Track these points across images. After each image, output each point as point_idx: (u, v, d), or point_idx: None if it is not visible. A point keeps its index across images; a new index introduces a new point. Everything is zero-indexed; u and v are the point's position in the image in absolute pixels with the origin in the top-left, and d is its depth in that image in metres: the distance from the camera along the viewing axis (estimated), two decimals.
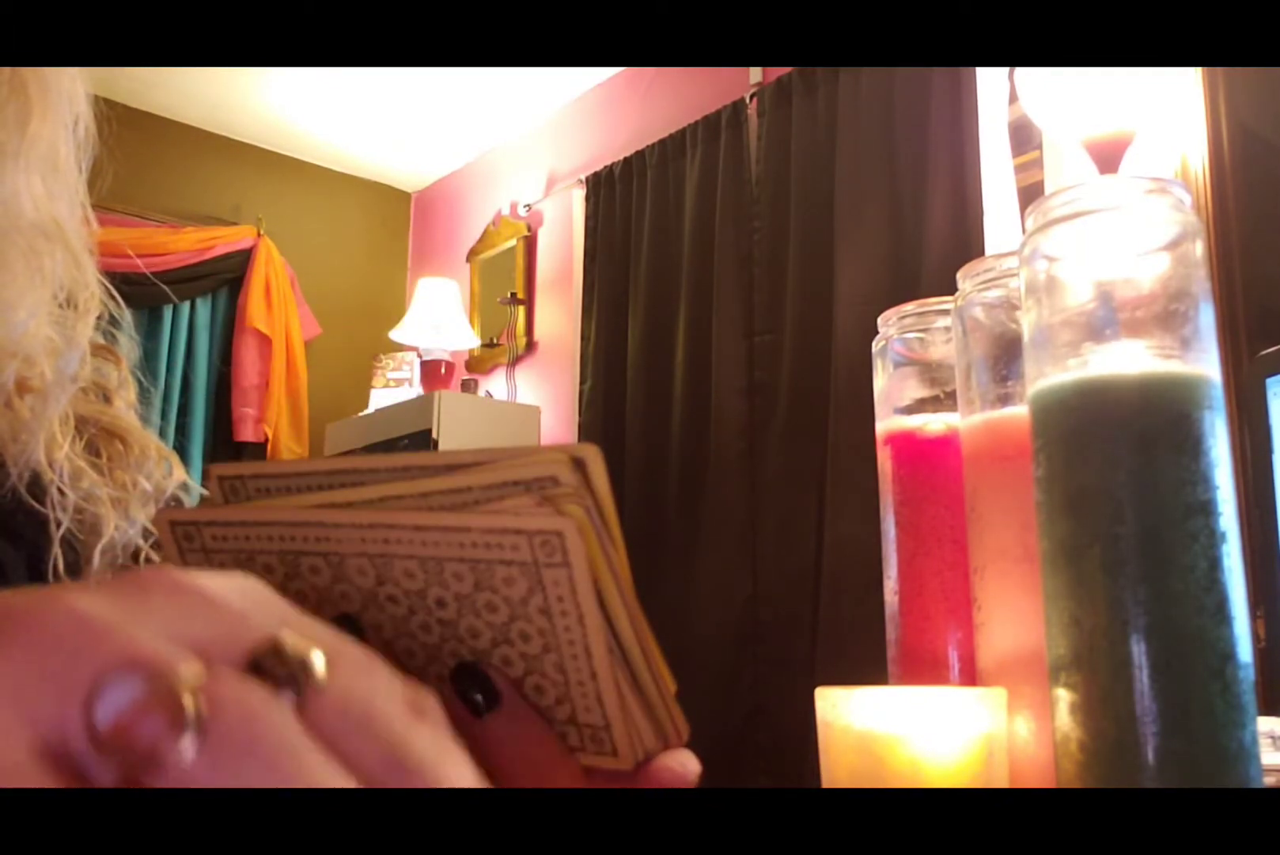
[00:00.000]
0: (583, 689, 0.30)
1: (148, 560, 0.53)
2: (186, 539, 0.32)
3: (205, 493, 0.33)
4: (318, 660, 0.21)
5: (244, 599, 0.22)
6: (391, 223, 4.17)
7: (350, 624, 0.31)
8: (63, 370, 0.51)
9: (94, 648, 0.20)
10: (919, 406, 0.60)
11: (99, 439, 0.53)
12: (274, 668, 0.21)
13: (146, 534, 0.53)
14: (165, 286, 3.43)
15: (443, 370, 3.44)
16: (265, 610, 0.22)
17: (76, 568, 0.49)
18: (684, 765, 0.31)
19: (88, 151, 0.53)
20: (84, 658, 0.20)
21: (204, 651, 0.21)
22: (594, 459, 0.29)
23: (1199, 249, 0.44)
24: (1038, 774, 0.47)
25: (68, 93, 0.51)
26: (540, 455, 0.29)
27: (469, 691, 0.30)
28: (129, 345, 0.56)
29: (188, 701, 0.19)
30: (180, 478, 0.56)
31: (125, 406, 0.55)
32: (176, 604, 0.21)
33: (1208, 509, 0.41)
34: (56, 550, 0.48)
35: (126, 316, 0.56)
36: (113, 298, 0.54)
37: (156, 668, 0.19)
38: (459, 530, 0.29)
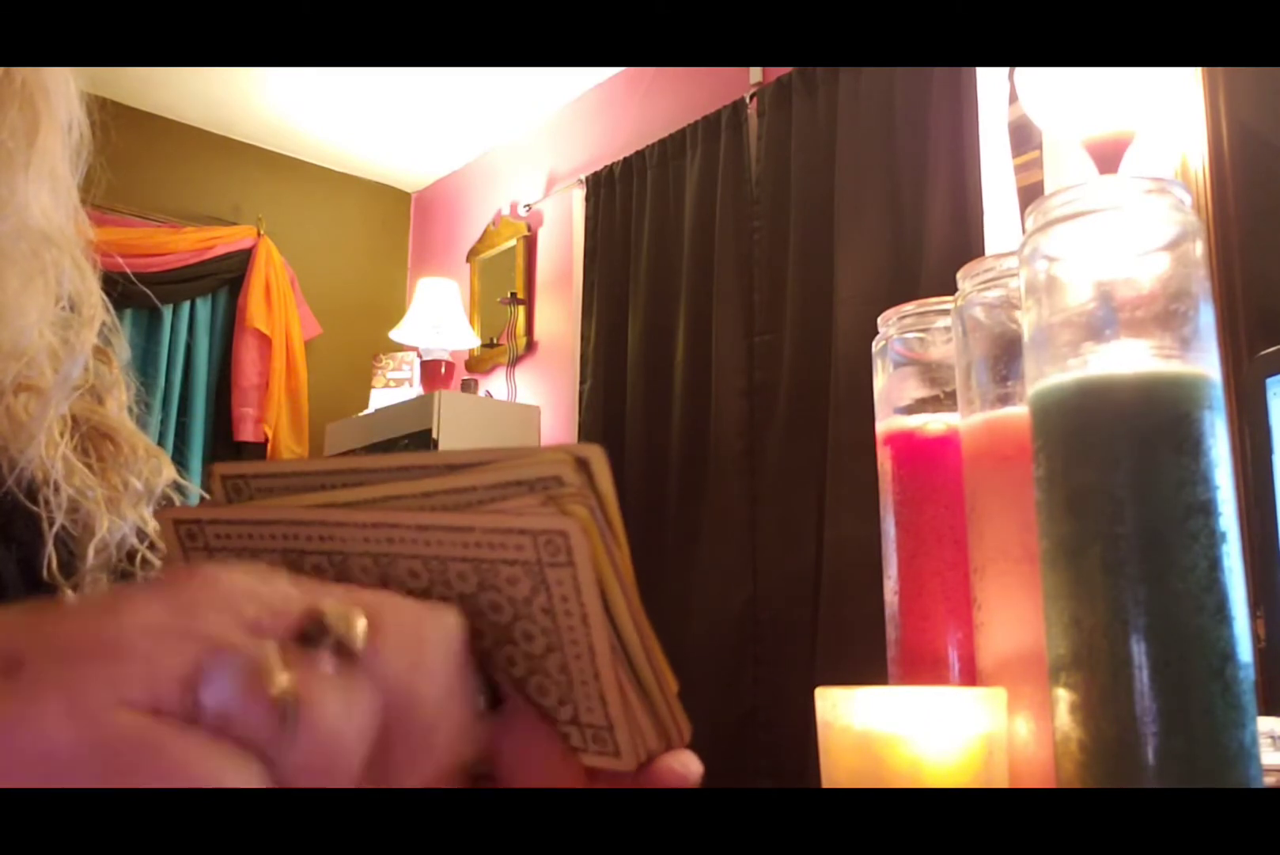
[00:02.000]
0: (585, 689, 0.30)
1: (144, 562, 0.53)
2: (190, 538, 0.32)
3: (203, 493, 0.33)
4: (360, 626, 0.24)
5: (274, 580, 0.25)
6: (391, 223, 4.17)
7: None
8: (65, 376, 0.51)
9: (185, 634, 0.22)
10: (919, 406, 0.60)
11: (90, 438, 0.54)
12: (320, 637, 0.23)
13: (141, 535, 0.53)
14: (165, 287, 3.43)
15: (443, 370, 3.43)
16: (298, 587, 0.25)
17: (70, 567, 0.49)
18: (686, 766, 0.32)
19: (81, 155, 0.53)
20: (175, 642, 0.22)
21: (261, 630, 0.23)
22: (598, 459, 0.29)
23: (1199, 249, 0.44)
24: (1038, 774, 0.47)
25: (64, 96, 0.51)
26: (544, 455, 0.29)
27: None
28: (121, 346, 0.56)
29: (284, 703, 0.22)
30: (170, 476, 0.56)
31: (117, 407, 0.56)
32: (223, 594, 0.23)
33: (1208, 509, 0.41)
34: (50, 549, 0.48)
35: (115, 321, 0.56)
36: (106, 305, 0.55)
37: (252, 661, 0.22)
38: (463, 530, 0.29)
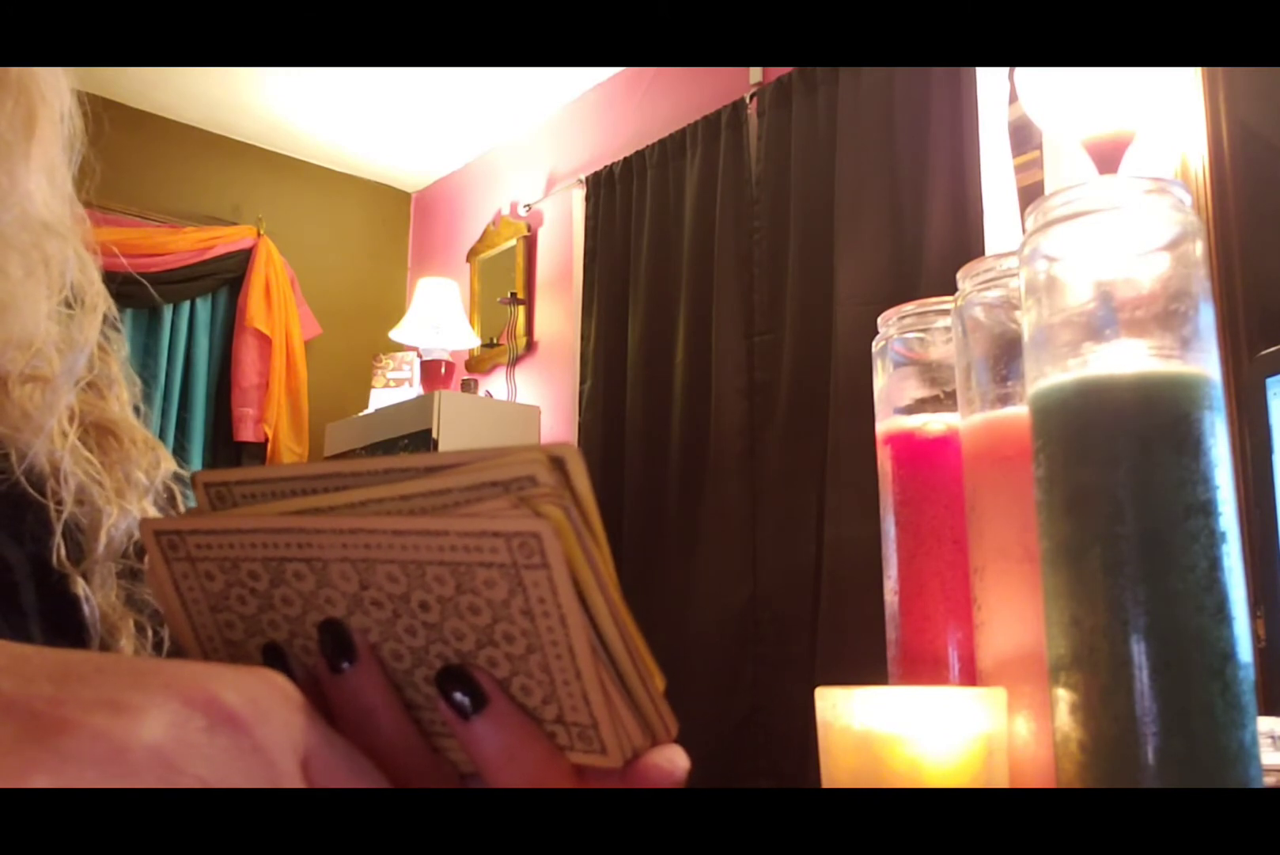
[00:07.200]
0: (568, 688, 0.30)
1: None
2: (171, 548, 0.32)
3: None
4: None
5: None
6: (391, 223, 4.17)
7: (336, 628, 0.31)
8: (71, 366, 0.51)
9: None
10: (919, 406, 0.60)
11: (90, 432, 0.54)
12: None
13: None
14: (165, 286, 3.43)
15: (443, 370, 3.43)
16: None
17: (78, 558, 0.49)
18: (673, 762, 0.31)
19: (75, 146, 0.54)
20: None
21: None
22: (573, 458, 0.29)
23: (1199, 249, 0.44)
24: (1038, 774, 0.47)
25: (56, 88, 0.51)
26: (518, 455, 0.29)
27: (455, 694, 0.30)
28: (118, 341, 0.56)
29: None
30: (168, 468, 0.56)
31: (118, 403, 0.56)
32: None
33: (1208, 509, 0.41)
34: (59, 540, 0.48)
35: (116, 314, 0.56)
36: (108, 298, 0.55)
37: None
38: (438, 534, 0.29)
